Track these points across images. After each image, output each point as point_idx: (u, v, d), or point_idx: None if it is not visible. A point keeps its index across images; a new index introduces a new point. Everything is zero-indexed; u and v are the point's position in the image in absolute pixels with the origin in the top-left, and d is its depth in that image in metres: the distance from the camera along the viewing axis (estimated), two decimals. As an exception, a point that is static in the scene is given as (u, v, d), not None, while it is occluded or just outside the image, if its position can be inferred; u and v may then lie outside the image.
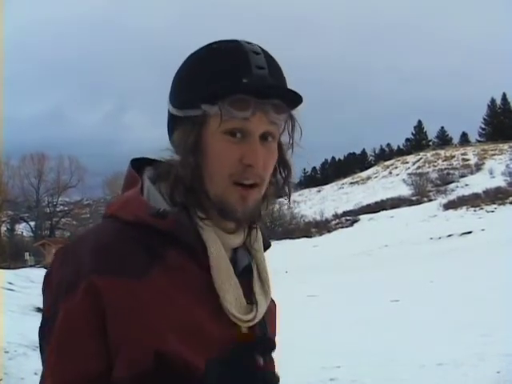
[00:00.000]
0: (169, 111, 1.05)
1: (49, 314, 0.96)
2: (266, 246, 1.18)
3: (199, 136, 0.99)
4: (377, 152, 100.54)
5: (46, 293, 0.99)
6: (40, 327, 0.99)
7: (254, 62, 0.99)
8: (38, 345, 1.01)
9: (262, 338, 1.06)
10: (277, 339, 1.16)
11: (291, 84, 1.04)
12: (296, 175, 1.13)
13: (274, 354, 1.13)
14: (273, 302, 1.19)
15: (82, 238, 1.00)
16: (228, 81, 0.98)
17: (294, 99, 1.00)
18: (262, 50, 1.02)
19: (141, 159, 1.09)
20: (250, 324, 1.02)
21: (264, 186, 1.02)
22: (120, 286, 0.92)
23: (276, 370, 1.14)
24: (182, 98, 1.01)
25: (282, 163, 1.07)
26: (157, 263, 0.95)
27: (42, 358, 0.98)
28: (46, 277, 1.00)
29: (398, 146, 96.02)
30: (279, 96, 0.98)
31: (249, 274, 1.07)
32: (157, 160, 1.07)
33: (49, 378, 0.94)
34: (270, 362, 1.10)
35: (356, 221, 43.74)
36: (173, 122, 1.04)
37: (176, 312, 0.95)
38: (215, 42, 1.03)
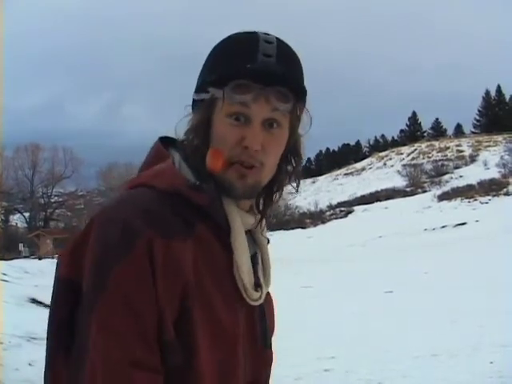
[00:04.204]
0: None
1: (92, 284, 0.89)
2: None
3: (206, 118, 1.01)
4: (371, 143, 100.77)
5: (84, 262, 0.91)
6: (51, 304, 0.94)
7: (262, 49, 1.00)
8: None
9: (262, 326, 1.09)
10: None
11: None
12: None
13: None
14: (269, 295, 1.18)
15: (116, 204, 0.95)
16: (234, 66, 1.00)
17: (298, 89, 1.01)
18: (279, 41, 1.03)
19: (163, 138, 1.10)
20: (257, 303, 1.04)
21: (265, 171, 1.01)
22: (172, 246, 0.91)
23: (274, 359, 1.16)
24: (198, 83, 1.06)
25: (293, 153, 1.07)
26: (191, 233, 0.96)
27: (76, 339, 0.89)
28: (75, 250, 0.93)
29: (393, 137, 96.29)
30: (283, 84, 0.98)
31: (254, 262, 1.08)
32: (176, 140, 1.07)
33: (98, 362, 0.85)
34: (270, 351, 1.13)
35: (350, 212, 43.83)
36: (192, 107, 1.06)
37: (199, 289, 0.95)
38: (235, 33, 1.05)
